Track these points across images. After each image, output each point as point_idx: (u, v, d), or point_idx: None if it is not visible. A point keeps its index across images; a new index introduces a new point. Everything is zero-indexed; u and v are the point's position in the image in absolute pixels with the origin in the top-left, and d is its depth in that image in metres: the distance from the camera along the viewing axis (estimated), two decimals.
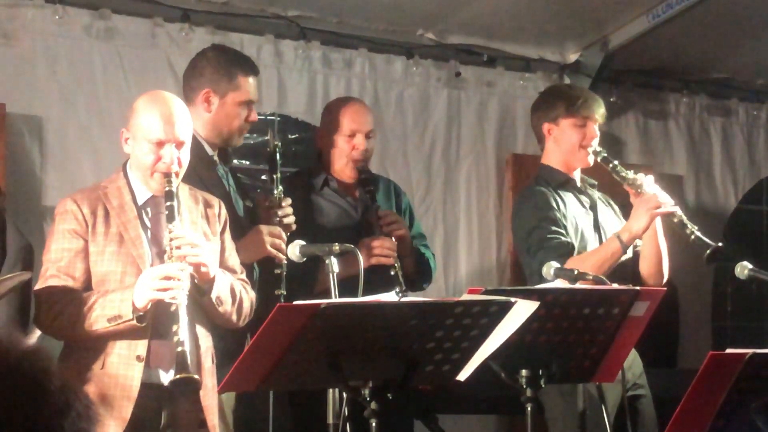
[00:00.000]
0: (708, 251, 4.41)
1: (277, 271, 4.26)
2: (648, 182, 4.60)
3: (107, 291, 3.64)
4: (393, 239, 4.56)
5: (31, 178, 5.16)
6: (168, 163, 3.70)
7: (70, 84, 5.28)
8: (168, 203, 3.66)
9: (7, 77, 5.17)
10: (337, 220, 4.72)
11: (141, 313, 3.56)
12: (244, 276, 3.94)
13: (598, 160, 4.73)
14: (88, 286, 3.70)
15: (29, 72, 5.23)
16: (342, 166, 4.76)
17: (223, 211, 3.96)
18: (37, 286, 3.75)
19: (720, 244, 4.43)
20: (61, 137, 5.23)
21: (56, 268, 3.70)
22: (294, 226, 4.36)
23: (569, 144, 4.77)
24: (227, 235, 3.95)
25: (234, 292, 3.78)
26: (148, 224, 3.77)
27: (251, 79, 4.40)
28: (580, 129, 4.76)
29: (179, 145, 3.74)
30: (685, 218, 4.52)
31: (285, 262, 4.25)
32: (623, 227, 4.61)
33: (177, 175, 3.74)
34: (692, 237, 4.43)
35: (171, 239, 3.60)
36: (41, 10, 5.22)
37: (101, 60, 5.36)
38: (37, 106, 5.22)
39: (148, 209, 3.79)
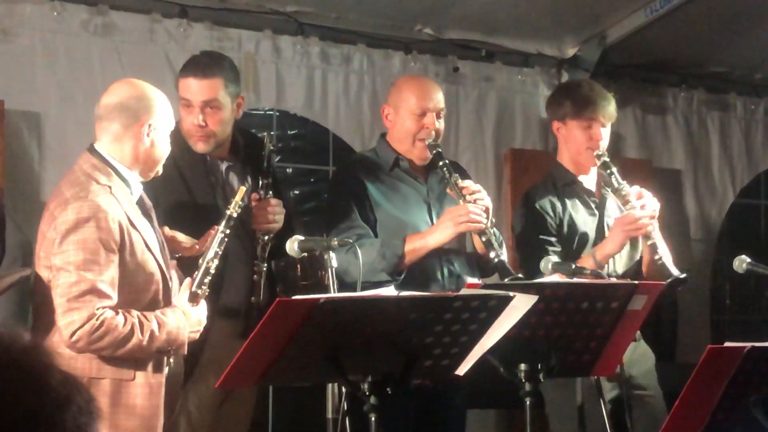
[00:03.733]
0: (669, 280, 4.28)
1: (255, 277, 4.21)
2: (635, 196, 4.53)
3: (159, 318, 3.54)
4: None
5: (30, 174, 5.17)
6: None
7: (69, 80, 5.28)
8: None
9: (5, 73, 5.17)
10: (409, 201, 4.49)
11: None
12: None
13: (598, 164, 4.65)
14: (127, 298, 3.56)
15: (27, 68, 5.23)
16: (409, 147, 4.48)
17: None
18: (88, 304, 3.46)
19: (684, 275, 4.32)
20: (59, 133, 5.23)
21: (100, 281, 3.48)
22: (276, 227, 4.26)
23: (575, 145, 4.71)
24: None
25: None
26: (150, 224, 3.75)
27: (187, 80, 4.24)
28: (586, 130, 4.67)
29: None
30: (657, 244, 4.42)
31: (264, 269, 4.22)
32: (598, 246, 4.54)
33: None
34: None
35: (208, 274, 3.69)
36: (39, 6, 5.22)
37: (99, 56, 5.36)
38: (36, 102, 5.22)
39: (140, 206, 3.73)
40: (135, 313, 3.50)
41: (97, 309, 3.44)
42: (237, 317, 4.16)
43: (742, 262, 4.47)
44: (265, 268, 4.19)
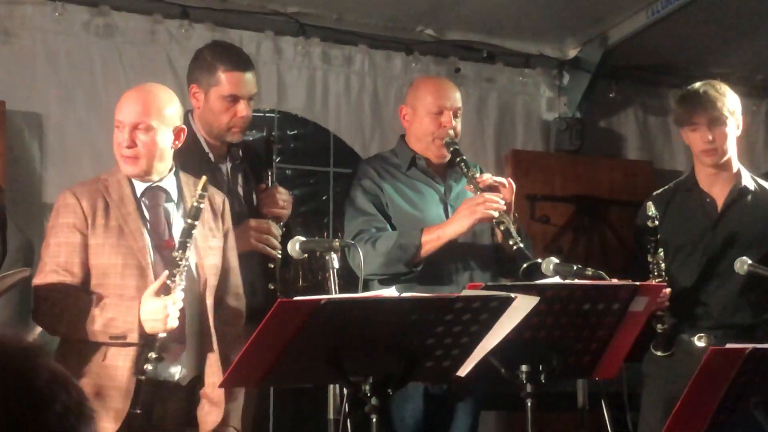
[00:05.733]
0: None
1: (271, 265, 4.26)
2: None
3: (105, 303, 3.64)
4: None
5: (31, 175, 5.17)
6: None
7: (70, 81, 5.29)
8: (190, 221, 3.67)
9: (6, 74, 5.18)
10: (426, 199, 4.49)
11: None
12: (238, 273, 3.98)
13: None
14: (87, 280, 3.71)
15: (29, 69, 5.23)
16: (427, 146, 4.50)
17: (227, 206, 3.97)
18: (36, 281, 3.74)
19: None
20: (60, 134, 5.24)
21: (55, 263, 3.70)
22: (286, 213, 4.34)
23: (693, 149, 4.67)
24: (231, 233, 3.97)
25: None
26: (147, 216, 3.78)
27: (237, 74, 4.28)
28: (694, 134, 4.60)
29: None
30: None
31: (279, 256, 4.24)
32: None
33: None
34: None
35: (177, 265, 3.63)
36: (40, 7, 5.23)
37: (100, 57, 5.37)
38: (37, 103, 5.23)
39: (146, 200, 3.80)
40: (86, 297, 3.65)
41: (45, 284, 3.67)
42: (258, 318, 4.17)
43: (743, 264, 4.46)
44: (280, 255, 4.21)
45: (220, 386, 3.35)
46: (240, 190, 4.38)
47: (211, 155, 4.32)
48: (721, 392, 2.98)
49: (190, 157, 4.23)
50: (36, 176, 5.19)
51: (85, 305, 3.63)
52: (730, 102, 4.62)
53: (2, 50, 5.18)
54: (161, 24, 5.52)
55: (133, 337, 3.59)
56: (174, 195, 3.84)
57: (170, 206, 3.83)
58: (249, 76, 4.31)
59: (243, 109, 4.27)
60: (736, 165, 4.72)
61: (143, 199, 3.79)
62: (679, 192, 4.74)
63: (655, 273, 4.39)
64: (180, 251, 3.64)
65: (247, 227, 4.23)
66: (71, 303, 3.65)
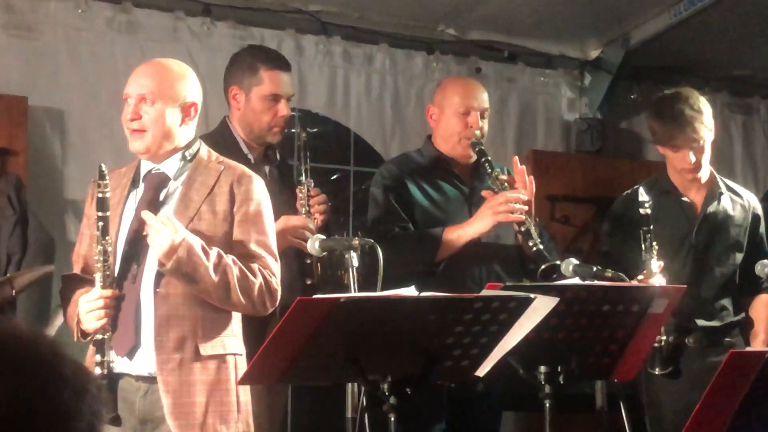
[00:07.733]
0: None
1: (308, 260, 4.25)
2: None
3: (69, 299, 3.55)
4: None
5: (53, 171, 5.19)
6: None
7: (92, 77, 5.31)
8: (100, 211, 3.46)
9: (29, 70, 5.20)
10: (450, 200, 4.49)
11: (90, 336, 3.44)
12: (267, 261, 3.62)
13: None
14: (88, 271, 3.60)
15: (51, 65, 5.26)
16: (453, 146, 4.51)
17: (252, 188, 3.63)
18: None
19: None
20: (82, 130, 5.26)
21: (76, 254, 3.69)
22: (323, 216, 4.33)
23: (673, 164, 4.62)
24: (250, 214, 3.61)
25: (225, 271, 3.47)
26: (136, 201, 3.61)
27: (278, 74, 4.33)
28: (675, 154, 4.56)
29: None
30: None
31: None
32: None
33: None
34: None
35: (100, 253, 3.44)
36: (63, 3, 5.26)
37: (123, 53, 5.39)
38: (59, 99, 5.25)
39: (145, 184, 3.64)
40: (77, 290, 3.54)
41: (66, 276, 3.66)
42: None
43: (764, 267, 4.45)
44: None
45: (239, 383, 3.33)
46: (279, 191, 4.38)
47: (251, 157, 4.32)
48: (741, 396, 2.97)
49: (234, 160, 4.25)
50: (57, 172, 5.21)
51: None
52: (707, 118, 4.55)
53: (25, 46, 5.20)
54: (183, 21, 5.54)
55: (77, 334, 3.44)
56: (174, 179, 3.63)
57: (164, 191, 3.61)
58: (288, 76, 4.39)
59: (283, 108, 4.33)
60: (708, 168, 4.69)
61: (143, 182, 3.65)
62: (651, 194, 4.56)
63: (651, 268, 4.28)
64: (95, 245, 3.45)
65: (283, 223, 4.22)
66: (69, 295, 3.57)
